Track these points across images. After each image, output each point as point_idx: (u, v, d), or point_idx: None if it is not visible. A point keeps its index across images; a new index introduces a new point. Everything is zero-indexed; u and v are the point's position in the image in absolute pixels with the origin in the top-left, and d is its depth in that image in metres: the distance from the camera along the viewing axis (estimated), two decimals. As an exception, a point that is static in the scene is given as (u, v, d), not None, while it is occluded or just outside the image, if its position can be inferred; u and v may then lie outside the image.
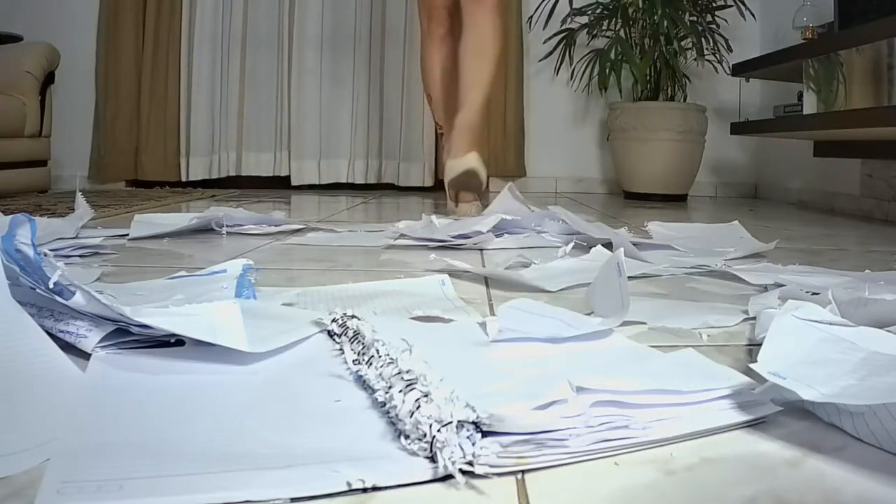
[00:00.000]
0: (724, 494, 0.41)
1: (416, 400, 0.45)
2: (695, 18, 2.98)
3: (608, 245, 1.26)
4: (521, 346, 0.65)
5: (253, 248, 1.36)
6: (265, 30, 3.36)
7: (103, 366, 0.60)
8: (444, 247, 1.37)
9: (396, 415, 0.46)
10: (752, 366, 0.54)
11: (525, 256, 1.19)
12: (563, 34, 3.09)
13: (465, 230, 1.43)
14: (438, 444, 0.42)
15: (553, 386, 0.46)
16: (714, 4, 3.03)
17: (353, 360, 0.59)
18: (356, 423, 0.49)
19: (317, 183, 3.36)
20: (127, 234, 1.44)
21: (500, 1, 1.94)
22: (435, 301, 0.87)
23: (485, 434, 0.43)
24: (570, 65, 3.16)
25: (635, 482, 0.42)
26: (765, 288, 0.99)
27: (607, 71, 2.94)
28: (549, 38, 3.13)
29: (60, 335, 0.64)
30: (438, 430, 0.42)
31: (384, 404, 0.49)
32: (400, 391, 0.47)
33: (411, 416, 0.44)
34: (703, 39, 2.94)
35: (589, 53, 3.05)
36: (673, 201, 2.95)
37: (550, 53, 3.15)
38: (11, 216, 0.68)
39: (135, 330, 0.63)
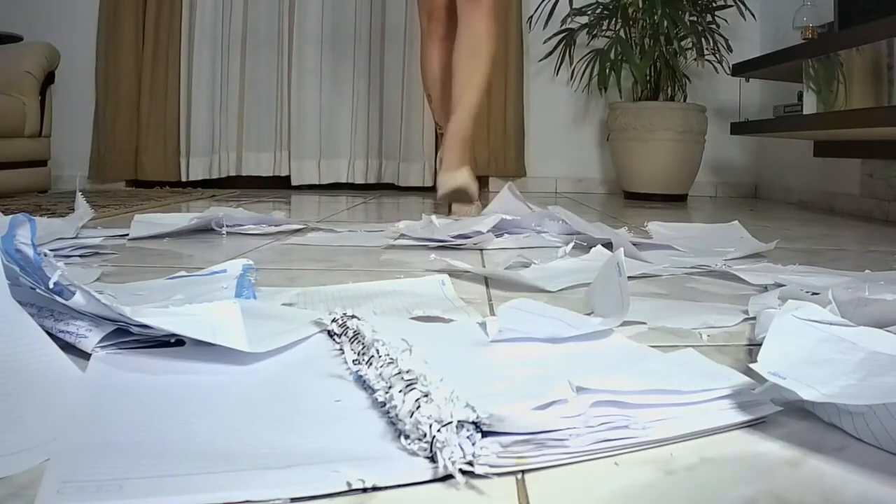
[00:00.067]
0: (724, 494, 0.41)
1: (416, 400, 0.45)
2: (695, 18, 2.99)
3: (608, 245, 1.26)
4: (521, 346, 0.65)
5: (253, 248, 1.36)
6: (265, 30, 3.36)
7: (103, 366, 0.60)
8: (444, 247, 1.37)
9: (396, 415, 0.46)
10: (752, 366, 0.54)
11: (525, 256, 1.19)
12: (563, 34, 3.09)
13: (465, 230, 1.43)
14: (438, 444, 0.42)
15: (553, 386, 0.46)
16: (714, 4, 3.03)
17: (353, 360, 0.59)
18: (356, 423, 0.49)
19: (317, 183, 3.36)
20: (127, 234, 1.44)
21: (496, 4, 1.94)
22: (435, 301, 0.87)
23: (485, 434, 0.43)
24: (570, 65, 3.16)
25: (635, 482, 0.42)
26: (765, 288, 0.99)
27: (607, 71, 2.94)
28: (549, 38, 3.13)
29: (60, 335, 0.64)
30: (438, 430, 0.42)
31: (384, 404, 0.49)
32: (400, 391, 0.47)
33: (411, 416, 0.44)
34: (703, 39, 2.94)
35: (589, 53, 3.05)
36: (673, 201, 2.95)
37: (550, 53, 3.15)
38: (11, 216, 0.68)
39: (135, 330, 0.63)
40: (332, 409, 0.52)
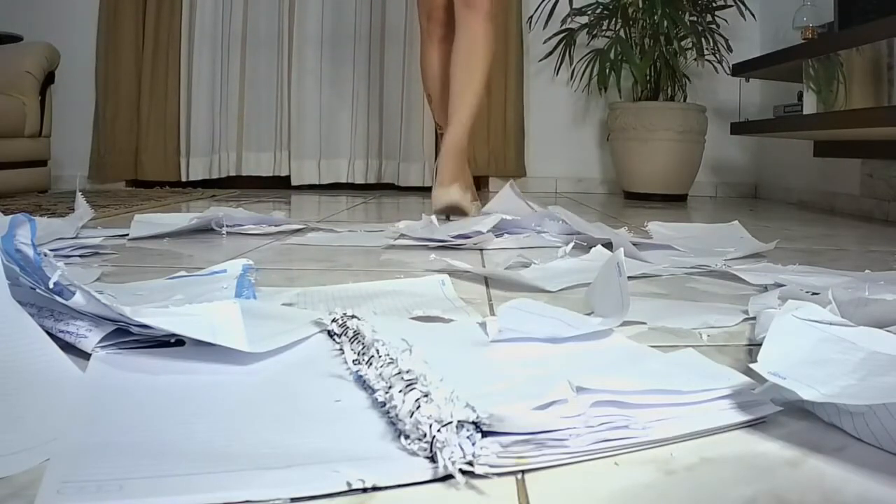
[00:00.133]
0: (724, 494, 0.41)
1: (416, 400, 0.45)
2: (695, 18, 2.99)
3: (608, 245, 1.26)
4: (521, 346, 0.65)
5: (253, 248, 1.36)
6: (265, 30, 3.36)
7: (103, 366, 0.60)
8: (444, 247, 1.37)
9: (396, 415, 0.46)
10: (752, 366, 0.54)
11: (525, 256, 1.19)
12: (563, 34, 3.09)
13: (465, 230, 1.43)
14: (438, 444, 0.42)
15: (553, 386, 0.46)
16: (714, 4, 3.03)
17: (353, 360, 0.59)
18: (356, 423, 0.49)
19: (317, 183, 3.36)
20: (127, 234, 1.44)
21: (492, 8, 1.95)
22: (435, 301, 0.87)
23: (485, 434, 0.43)
24: (570, 65, 3.16)
25: (635, 482, 0.42)
26: (765, 288, 0.99)
27: (607, 71, 2.94)
28: (549, 38, 3.13)
29: (60, 335, 0.64)
30: (438, 430, 0.42)
31: (384, 404, 0.49)
32: (400, 391, 0.47)
33: (411, 416, 0.44)
34: (703, 39, 2.94)
35: (589, 53, 3.05)
36: (673, 201, 2.95)
37: (550, 53, 3.15)
38: (11, 216, 0.68)
39: (135, 330, 0.63)
40: (332, 409, 0.52)
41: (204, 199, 2.63)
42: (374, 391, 0.52)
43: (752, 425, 0.51)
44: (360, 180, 3.39)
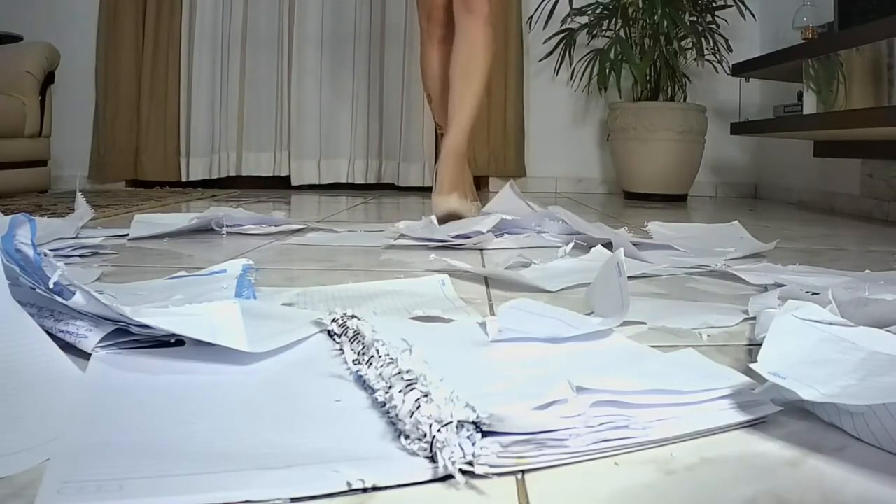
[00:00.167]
0: (724, 494, 0.41)
1: (416, 400, 0.45)
2: (695, 18, 2.99)
3: (608, 245, 1.26)
4: (521, 346, 0.65)
5: (253, 248, 1.36)
6: (265, 30, 3.36)
7: (103, 366, 0.60)
8: (444, 247, 1.37)
9: (396, 415, 0.46)
10: (752, 366, 0.54)
11: (525, 256, 1.19)
12: (563, 34, 3.09)
13: (465, 230, 1.43)
14: (438, 444, 0.42)
15: (553, 386, 0.46)
16: (714, 4, 3.03)
17: (353, 360, 0.59)
18: (356, 423, 0.49)
19: (317, 183, 3.36)
20: (127, 234, 1.44)
21: (491, 13, 1.95)
22: (435, 301, 0.87)
23: (485, 434, 0.43)
24: (570, 65, 3.16)
25: (635, 482, 0.42)
26: (765, 288, 0.99)
27: (607, 71, 2.94)
28: (549, 38, 3.13)
29: (60, 335, 0.64)
30: (438, 430, 0.42)
31: (384, 404, 0.49)
32: (400, 391, 0.47)
33: (411, 416, 0.44)
34: (703, 39, 2.94)
35: (589, 53, 3.05)
36: (673, 201, 2.95)
37: (550, 53, 3.15)
38: (11, 216, 0.68)
39: (135, 330, 0.63)
40: (332, 409, 0.52)
41: (204, 199, 2.63)
42: (374, 391, 0.52)
43: (752, 425, 0.51)
44: (360, 180, 3.39)
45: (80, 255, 1.20)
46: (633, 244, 1.28)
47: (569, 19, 3.07)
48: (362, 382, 0.55)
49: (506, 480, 0.42)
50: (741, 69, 2.68)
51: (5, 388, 0.51)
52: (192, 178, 3.28)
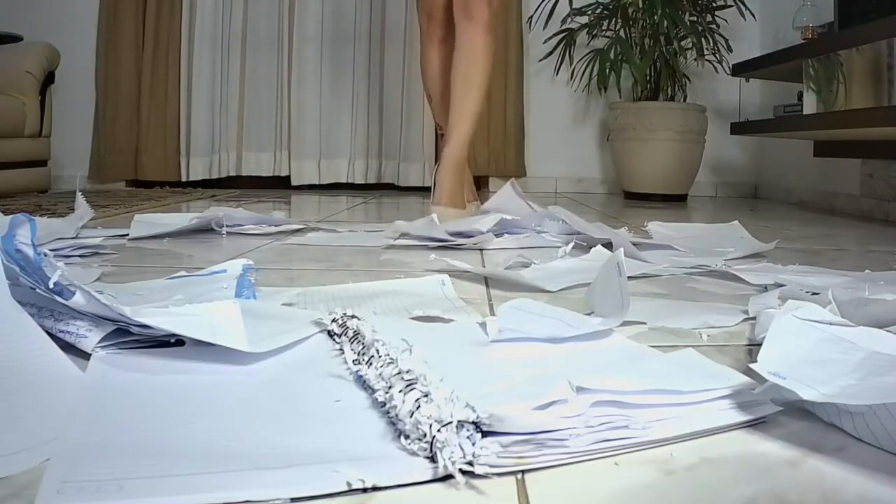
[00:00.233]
0: (724, 494, 0.41)
1: (416, 400, 0.45)
2: (695, 18, 2.99)
3: (608, 245, 1.26)
4: (521, 346, 0.65)
5: (253, 248, 1.36)
6: (265, 30, 3.36)
7: (103, 366, 0.60)
8: (444, 247, 1.37)
9: (396, 415, 0.46)
10: (752, 366, 0.54)
11: (525, 256, 1.19)
12: (563, 34, 3.09)
13: (465, 228, 1.43)
14: (438, 444, 0.42)
15: (553, 386, 0.46)
16: (714, 4, 3.03)
17: (353, 360, 0.59)
18: (356, 423, 0.49)
19: (317, 183, 3.36)
20: (127, 234, 1.44)
21: (491, 19, 1.95)
22: (435, 301, 0.87)
23: (485, 434, 0.43)
24: (570, 65, 3.16)
25: (635, 482, 0.42)
26: (765, 288, 0.99)
27: (607, 71, 2.94)
28: (549, 38, 3.13)
29: (60, 335, 0.64)
30: (438, 430, 0.42)
31: (384, 404, 0.49)
32: (400, 391, 0.47)
33: (411, 416, 0.44)
34: (703, 39, 2.94)
35: (589, 53, 3.05)
36: (673, 201, 2.95)
37: (550, 53, 3.15)
38: (11, 216, 0.68)
39: (135, 330, 0.63)
40: (332, 409, 0.52)
41: (204, 199, 2.63)
42: (374, 391, 0.52)
43: (752, 425, 0.51)
44: (360, 180, 3.39)
45: (80, 255, 1.20)
46: (633, 244, 1.28)
47: (569, 19, 3.07)
48: (362, 382, 0.55)
49: (506, 480, 0.42)
50: (741, 69, 2.68)
51: (5, 388, 0.51)
52: (192, 178, 3.28)
